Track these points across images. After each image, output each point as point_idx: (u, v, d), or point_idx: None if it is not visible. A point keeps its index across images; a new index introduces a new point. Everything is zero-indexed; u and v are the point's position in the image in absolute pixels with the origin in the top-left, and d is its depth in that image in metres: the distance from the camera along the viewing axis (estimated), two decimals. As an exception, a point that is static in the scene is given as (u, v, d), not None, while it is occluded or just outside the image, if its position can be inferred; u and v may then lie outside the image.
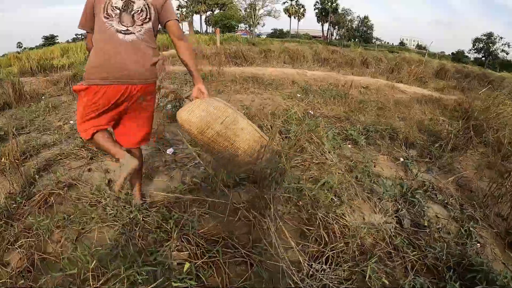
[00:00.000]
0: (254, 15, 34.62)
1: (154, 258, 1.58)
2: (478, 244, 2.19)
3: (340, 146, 3.38)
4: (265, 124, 3.33)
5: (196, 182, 2.34)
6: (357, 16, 48.68)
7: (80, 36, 45.29)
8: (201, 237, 1.81)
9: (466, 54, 37.50)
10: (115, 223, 1.88)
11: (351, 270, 1.73)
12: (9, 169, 2.36)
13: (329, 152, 3.22)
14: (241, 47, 10.89)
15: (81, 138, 2.88)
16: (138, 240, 1.72)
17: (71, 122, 3.82)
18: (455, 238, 2.23)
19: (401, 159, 3.52)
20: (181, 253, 1.70)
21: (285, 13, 44.37)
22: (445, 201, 2.84)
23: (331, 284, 1.62)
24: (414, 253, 1.94)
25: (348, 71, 10.15)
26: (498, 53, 35.32)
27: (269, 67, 9.28)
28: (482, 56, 35.56)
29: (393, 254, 1.97)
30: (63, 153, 2.88)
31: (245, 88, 5.98)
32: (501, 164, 3.85)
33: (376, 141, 3.89)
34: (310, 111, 4.04)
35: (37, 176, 2.41)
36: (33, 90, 5.39)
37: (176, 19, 1.82)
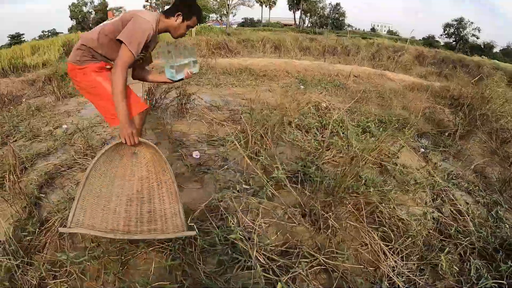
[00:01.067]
0: (228, 5, 33.84)
1: (227, 281, 1.38)
2: (507, 226, 2.26)
3: (361, 139, 3.26)
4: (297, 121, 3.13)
5: (236, 186, 2.14)
6: (329, 4, 49.09)
7: (47, 33, 42.76)
8: (269, 250, 1.62)
9: (437, 39, 38.86)
10: (162, 245, 1.64)
11: (419, 263, 1.79)
12: (8, 188, 2.03)
13: (355, 147, 3.10)
14: (224, 38, 10.52)
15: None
16: (199, 264, 1.50)
17: (64, 126, 3.44)
18: (488, 222, 2.28)
19: (422, 149, 3.47)
20: (251, 271, 1.50)
21: (257, 2, 43.84)
22: (469, 188, 2.91)
23: (417, 280, 1.62)
24: (467, 238, 2.00)
25: (334, 60, 10.09)
26: (469, 38, 36.74)
27: (256, 57, 9.04)
28: (453, 41, 36.89)
29: (446, 242, 2.03)
30: (65, 164, 2.53)
31: (240, 80, 5.74)
32: (505, 151, 3.98)
33: (391, 132, 3.81)
34: (323, 104, 3.88)
35: (42, 195, 2.10)
36: (10, 92, 4.87)
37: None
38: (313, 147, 2.95)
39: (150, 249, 1.62)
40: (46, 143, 3.01)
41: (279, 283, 1.36)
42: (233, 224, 1.70)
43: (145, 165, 1.70)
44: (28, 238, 1.67)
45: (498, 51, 37.86)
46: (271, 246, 1.71)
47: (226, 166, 2.41)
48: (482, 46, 36.53)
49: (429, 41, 35.74)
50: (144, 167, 1.70)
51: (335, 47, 12.60)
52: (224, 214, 1.87)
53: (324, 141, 3.09)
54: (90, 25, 39.92)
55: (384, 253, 1.85)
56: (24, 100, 4.67)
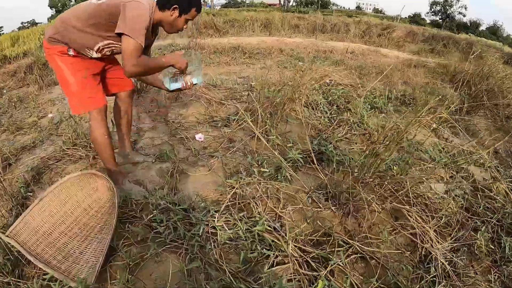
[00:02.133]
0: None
1: (257, 281, 1.15)
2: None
3: (370, 115, 3.04)
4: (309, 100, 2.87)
5: (249, 169, 1.90)
6: (314, -18, 47.83)
7: (26, 24, 40.52)
8: (300, 241, 1.41)
9: (423, 16, 38.68)
10: (175, 243, 1.40)
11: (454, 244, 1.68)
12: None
13: (367, 124, 2.89)
14: (212, 17, 10.04)
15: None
16: (222, 263, 1.26)
17: (50, 115, 3.09)
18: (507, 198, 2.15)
19: (434, 125, 3.29)
20: (282, 266, 1.28)
21: (241, -18, 42.50)
22: (486, 164, 2.77)
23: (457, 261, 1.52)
24: (494, 216, 1.91)
25: (325, 37, 9.80)
26: (455, 16, 36.68)
27: (246, 36, 8.66)
28: (440, 19, 36.78)
29: (473, 219, 1.92)
30: (53, 156, 2.23)
31: (233, 59, 5.41)
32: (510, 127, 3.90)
33: (398, 107, 3.62)
34: (327, 80, 3.64)
35: (30, 194, 1.84)
36: (-11, 85, 4.45)
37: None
38: (323, 124, 2.72)
39: (161, 249, 1.37)
40: (31, 135, 2.71)
41: (320, 281, 1.14)
42: (257, 213, 1.46)
43: (98, 204, 1.66)
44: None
45: (484, 29, 38.06)
46: (301, 236, 1.49)
47: (235, 148, 2.15)
48: (469, 24, 36.62)
49: (415, 19, 35.56)
50: (96, 206, 1.65)
51: (324, 25, 12.29)
52: (242, 201, 1.63)
53: (334, 118, 2.87)
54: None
55: (421, 235, 1.68)
56: (5, 91, 4.27)
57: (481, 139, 3.42)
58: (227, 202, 1.61)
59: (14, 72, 5.37)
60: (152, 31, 1.68)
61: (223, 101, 3.11)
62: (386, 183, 1.79)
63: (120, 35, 1.42)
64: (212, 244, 1.40)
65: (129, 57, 1.40)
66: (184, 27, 1.63)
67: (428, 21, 36.94)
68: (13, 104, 3.60)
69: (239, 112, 2.86)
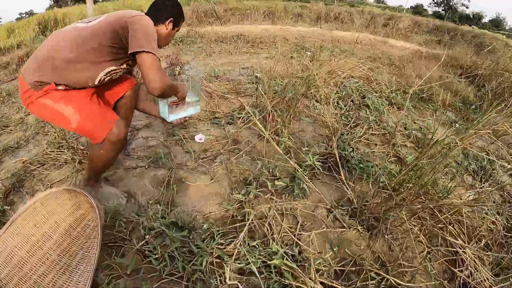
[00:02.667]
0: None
1: None
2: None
3: (385, 112, 2.74)
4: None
5: (259, 177, 1.61)
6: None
7: (24, 15, 39.44)
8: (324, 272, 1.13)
9: (426, 7, 37.93)
10: (172, 277, 1.12)
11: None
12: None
13: (386, 123, 2.59)
14: (213, 5, 9.63)
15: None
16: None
17: None
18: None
19: (457, 125, 3.00)
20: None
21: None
22: None
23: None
24: None
25: (330, 27, 9.42)
26: (458, 7, 36.02)
27: (248, 25, 8.28)
28: (442, 10, 36.10)
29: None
30: (36, 160, 1.94)
31: (236, 48, 5.07)
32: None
33: (416, 103, 3.33)
34: (339, 72, 3.33)
35: (7, 207, 1.56)
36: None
37: None
38: (339, 123, 2.42)
39: (156, 285, 1.09)
40: (15, 134, 2.40)
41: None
42: (270, 237, 1.18)
43: (80, 223, 1.40)
44: None
45: (487, 21, 37.40)
46: (324, 265, 1.21)
47: (242, 152, 1.85)
48: (471, 16, 35.98)
49: (417, 10, 34.91)
50: (78, 226, 1.39)
51: (327, 14, 11.90)
52: (252, 222, 1.35)
53: (350, 115, 2.57)
54: (69, 2, 36.96)
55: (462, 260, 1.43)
56: (-6, 85, 3.93)
57: (507, 142, 3.13)
58: (235, 224, 1.32)
59: (7, 64, 5.02)
60: None
61: (226, 95, 2.80)
62: (426, 201, 1.50)
63: (133, 54, 1.24)
64: (218, 279, 1.11)
65: (155, 71, 1.24)
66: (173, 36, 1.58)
67: (430, 12, 36.27)
68: (2, 98, 3.27)
69: (245, 108, 2.56)
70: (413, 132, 2.58)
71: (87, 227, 1.40)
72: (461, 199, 1.79)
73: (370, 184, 1.69)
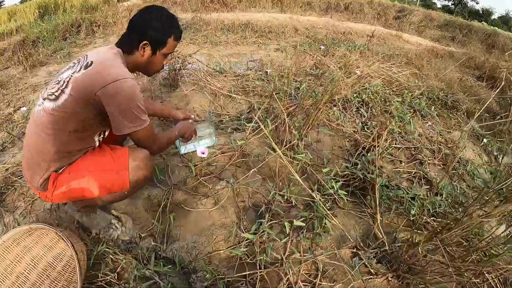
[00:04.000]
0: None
1: None
2: None
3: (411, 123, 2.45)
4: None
5: (271, 204, 1.34)
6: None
7: None
8: None
9: (434, 1, 36.98)
10: None
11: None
12: None
13: (412, 135, 2.31)
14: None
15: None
16: None
17: (24, 108, 2.48)
18: None
19: (484, 140, 2.72)
20: None
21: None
22: None
23: None
24: None
25: (341, 17, 9.03)
26: (468, 2, 35.18)
27: (255, 12, 7.87)
28: (452, 4, 35.23)
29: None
30: (19, 169, 1.70)
31: (243, 37, 4.73)
32: None
33: (439, 111, 3.04)
34: (357, 71, 3.03)
35: None
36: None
37: None
38: (360, 133, 2.14)
39: None
40: (1, 133, 2.13)
41: None
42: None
43: (60, 262, 1.19)
44: None
45: (496, 18, 36.57)
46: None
47: (250, 172, 1.56)
48: (481, 12, 35.14)
49: (426, 3, 34.02)
50: (58, 265, 1.18)
51: (337, 3, 11.45)
52: (263, 268, 1.09)
53: (373, 124, 2.28)
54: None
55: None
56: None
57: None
58: (244, 270, 1.06)
59: (3, 50, 4.68)
60: None
61: (232, 94, 2.51)
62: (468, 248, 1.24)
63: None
64: None
65: (149, 145, 1.16)
66: (165, 63, 1.24)
67: (439, 6, 35.41)
68: (-8, 90, 2.98)
69: (254, 110, 2.28)
70: (440, 147, 2.30)
71: (67, 267, 1.15)
72: None
73: (399, 219, 1.43)
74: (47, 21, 5.64)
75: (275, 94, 1.87)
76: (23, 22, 6.76)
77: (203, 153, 1.61)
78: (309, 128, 1.78)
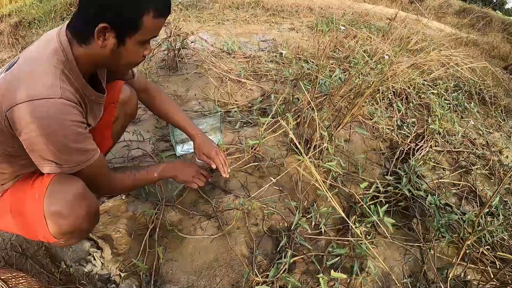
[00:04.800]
0: None
1: None
2: None
3: (454, 121, 2.07)
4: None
5: (294, 231, 0.99)
6: None
7: None
8: None
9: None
10: None
11: None
12: None
13: (454, 136, 1.94)
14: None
15: None
16: None
17: None
18: None
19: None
20: None
21: None
22: None
23: None
24: None
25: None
26: (482, -12, 33.93)
27: (265, -12, 7.33)
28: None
29: None
30: None
31: (253, 15, 4.29)
32: None
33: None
34: (386, 55, 2.62)
35: None
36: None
37: None
38: (396, 132, 1.77)
39: None
40: None
41: None
42: None
43: None
44: None
45: (510, 7, 35.30)
46: None
47: (265, 187, 1.19)
48: (494, 0, 33.92)
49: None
50: None
51: (352, -19, 10.86)
52: None
53: (410, 122, 1.90)
54: None
55: None
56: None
57: None
58: None
59: (1, 32, 4.28)
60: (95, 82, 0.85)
61: (241, 79, 2.12)
62: None
63: None
64: None
65: (97, 183, 0.81)
66: (145, 54, 0.78)
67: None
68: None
69: (268, 98, 1.90)
70: (484, 151, 1.93)
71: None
72: None
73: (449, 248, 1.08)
74: (45, 1, 5.25)
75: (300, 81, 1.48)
76: (23, 3, 6.38)
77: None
78: (341, 127, 1.41)
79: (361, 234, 0.88)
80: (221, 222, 1.10)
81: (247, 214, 1.14)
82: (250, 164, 1.37)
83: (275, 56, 2.58)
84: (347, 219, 0.84)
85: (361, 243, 0.95)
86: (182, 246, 1.03)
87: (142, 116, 1.68)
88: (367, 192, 1.25)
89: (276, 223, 1.13)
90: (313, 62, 2.46)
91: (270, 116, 1.39)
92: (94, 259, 1.01)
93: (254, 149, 1.40)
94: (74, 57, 0.71)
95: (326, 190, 0.88)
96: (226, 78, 2.12)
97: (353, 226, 0.91)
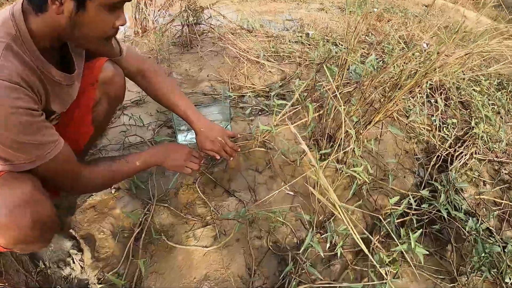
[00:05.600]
0: None
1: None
2: None
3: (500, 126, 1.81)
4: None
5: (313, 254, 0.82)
6: None
7: None
8: None
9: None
10: None
11: None
12: None
13: (498, 142, 1.69)
14: None
15: None
16: None
17: None
18: None
19: None
20: None
21: None
22: None
23: None
24: None
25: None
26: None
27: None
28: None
29: None
30: None
31: (277, -8, 3.99)
32: None
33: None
34: (424, 42, 2.35)
35: None
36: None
37: None
38: (434, 133, 1.54)
39: None
40: None
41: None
42: None
43: None
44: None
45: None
46: None
47: (273, 194, 0.99)
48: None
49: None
50: None
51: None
52: None
53: (451, 123, 1.66)
54: None
55: None
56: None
57: None
58: None
59: None
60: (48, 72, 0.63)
61: (260, 60, 1.90)
62: None
63: None
64: None
65: (63, 181, 0.67)
66: (118, 24, 0.62)
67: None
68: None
69: (290, 82, 1.69)
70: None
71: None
72: None
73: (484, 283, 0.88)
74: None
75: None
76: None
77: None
78: (372, 125, 1.19)
79: (386, 274, 0.69)
80: (218, 231, 0.92)
81: (250, 223, 0.96)
82: (264, 167, 1.18)
83: (301, 36, 2.34)
84: (368, 254, 0.65)
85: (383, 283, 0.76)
86: (171, 257, 0.86)
87: (146, 97, 1.51)
88: (396, 207, 1.04)
89: (283, 237, 0.94)
90: (342, 45, 2.21)
91: (290, 103, 1.19)
92: (74, 262, 0.87)
93: (265, 137, 1.20)
94: (28, 29, 0.55)
95: (342, 213, 0.69)
96: (244, 58, 1.91)
97: (376, 263, 0.72)
